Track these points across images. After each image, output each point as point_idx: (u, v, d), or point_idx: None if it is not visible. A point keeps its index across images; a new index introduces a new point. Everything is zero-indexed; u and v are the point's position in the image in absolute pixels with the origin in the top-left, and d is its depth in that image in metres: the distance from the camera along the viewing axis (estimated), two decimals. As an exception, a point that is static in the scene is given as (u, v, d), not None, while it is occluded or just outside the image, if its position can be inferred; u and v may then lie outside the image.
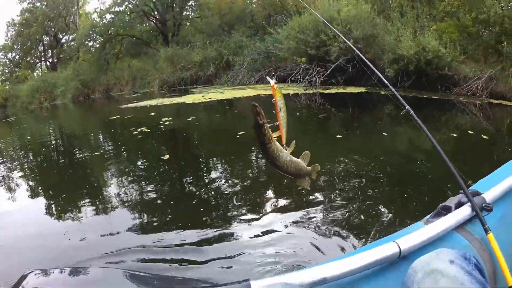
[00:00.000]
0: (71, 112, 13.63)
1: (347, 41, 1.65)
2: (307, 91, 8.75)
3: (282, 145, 0.72)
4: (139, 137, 5.47)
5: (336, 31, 1.60)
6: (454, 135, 4.45)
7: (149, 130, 5.88)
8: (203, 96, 9.72)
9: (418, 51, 7.43)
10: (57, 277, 0.77)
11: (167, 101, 9.82)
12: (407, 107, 1.00)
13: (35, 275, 0.72)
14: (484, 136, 4.10)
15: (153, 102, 10.01)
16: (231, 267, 1.67)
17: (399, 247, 0.79)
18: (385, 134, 4.69)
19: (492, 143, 3.93)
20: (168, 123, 6.50)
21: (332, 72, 9.03)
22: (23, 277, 0.70)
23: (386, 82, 1.19)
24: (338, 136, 4.58)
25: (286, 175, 0.73)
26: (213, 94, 9.92)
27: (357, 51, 1.48)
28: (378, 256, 0.76)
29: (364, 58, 1.38)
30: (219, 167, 3.80)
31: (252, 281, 0.62)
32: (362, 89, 8.46)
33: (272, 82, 0.66)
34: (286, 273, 0.66)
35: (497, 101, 6.35)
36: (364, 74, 8.13)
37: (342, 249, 1.83)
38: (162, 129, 5.95)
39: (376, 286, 0.76)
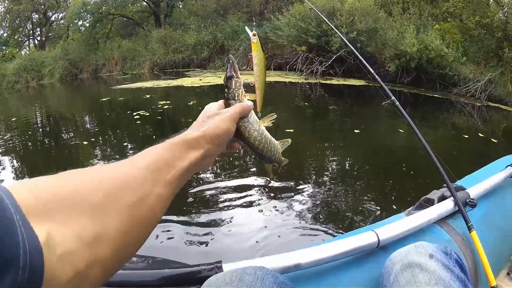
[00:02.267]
0: (59, 92, 13.40)
1: (342, 36, 1.65)
2: (307, 81, 8.78)
3: (256, 113, 0.59)
4: (137, 122, 5.27)
5: (333, 27, 1.59)
6: (450, 133, 4.52)
7: (147, 114, 5.71)
8: (200, 80, 9.61)
9: (421, 49, 7.56)
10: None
11: (163, 83, 9.65)
12: (392, 97, 1.01)
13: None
14: (479, 135, 4.17)
15: (147, 84, 9.81)
16: (206, 249, 1.74)
17: (378, 236, 0.79)
18: (376, 127, 4.77)
19: (486, 144, 4.00)
20: (167, 106, 6.34)
21: (331, 63, 9.06)
22: None
23: (374, 73, 1.19)
24: (334, 127, 4.62)
25: (252, 151, 0.59)
26: (211, 78, 9.83)
27: (350, 45, 1.48)
28: (355, 244, 0.76)
29: (355, 51, 1.42)
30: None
31: (224, 263, 0.63)
32: (362, 82, 8.52)
33: (251, 34, 0.59)
34: (260, 257, 0.67)
35: (495, 105, 6.51)
36: (364, 66, 8.14)
37: (321, 237, 1.88)
38: (162, 113, 5.78)
39: (353, 275, 0.77)
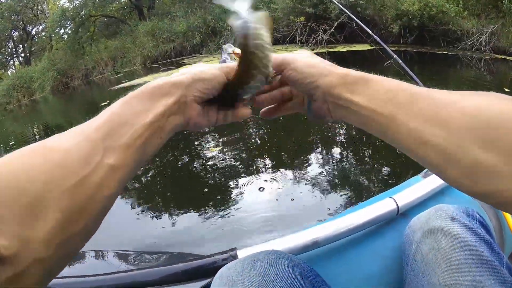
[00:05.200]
0: (53, 104, 13.53)
1: (337, 3, 1.62)
2: (315, 51, 8.72)
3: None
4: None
5: None
6: (460, 88, 4.48)
7: None
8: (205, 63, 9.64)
9: (421, 7, 7.62)
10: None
11: (164, 75, 9.61)
12: (394, 56, 0.99)
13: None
14: (489, 88, 4.14)
15: (148, 78, 9.69)
16: (220, 237, 1.80)
17: (396, 203, 0.78)
18: None
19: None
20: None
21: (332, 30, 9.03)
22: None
23: (374, 36, 1.17)
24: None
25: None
26: (216, 62, 9.80)
27: (346, 10, 1.47)
28: (373, 214, 0.75)
29: (353, 16, 1.43)
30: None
31: (238, 250, 0.64)
32: (366, 46, 8.51)
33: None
34: (274, 239, 0.67)
35: (502, 57, 6.60)
36: (365, 30, 8.15)
37: (339, 210, 1.91)
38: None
39: (374, 246, 0.76)
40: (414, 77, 0.99)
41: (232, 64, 0.47)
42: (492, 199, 0.31)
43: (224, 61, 0.51)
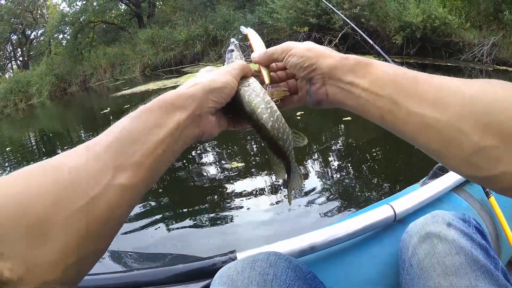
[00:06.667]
0: (50, 110, 13.55)
1: (340, 14, 1.67)
2: None
3: (265, 86, 0.48)
4: None
5: (330, 5, 1.61)
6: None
7: None
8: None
9: (425, 18, 7.76)
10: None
11: (169, 83, 9.54)
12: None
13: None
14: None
15: (151, 85, 9.69)
16: (220, 241, 1.83)
17: (393, 210, 0.81)
18: None
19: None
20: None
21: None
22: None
23: (377, 47, 1.21)
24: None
25: (258, 132, 0.46)
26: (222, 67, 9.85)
27: (349, 22, 1.51)
28: (371, 220, 0.78)
29: (355, 27, 1.46)
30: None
31: (238, 252, 0.66)
32: (369, 57, 8.58)
33: (245, 31, 0.58)
34: (274, 242, 0.69)
35: (503, 68, 6.80)
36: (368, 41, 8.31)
37: (337, 217, 1.94)
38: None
39: (371, 252, 0.79)
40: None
41: (241, 65, 0.47)
42: (495, 183, 0.32)
43: (232, 51, 0.52)
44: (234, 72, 0.45)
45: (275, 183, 2.54)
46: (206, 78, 0.42)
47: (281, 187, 2.46)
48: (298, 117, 4.20)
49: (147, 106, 0.37)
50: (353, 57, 0.43)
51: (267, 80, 0.49)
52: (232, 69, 0.46)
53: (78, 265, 0.29)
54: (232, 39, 0.53)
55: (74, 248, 0.28)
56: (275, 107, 0.46)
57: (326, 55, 0.45)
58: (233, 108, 0.46)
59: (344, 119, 3.85)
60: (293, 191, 0.53)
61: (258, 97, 0.45)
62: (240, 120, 0.48)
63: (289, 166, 0.48)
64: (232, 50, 0.51)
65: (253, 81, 0.47)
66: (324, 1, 1.55)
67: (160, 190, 2.74)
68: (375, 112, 0.40)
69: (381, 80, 0.39)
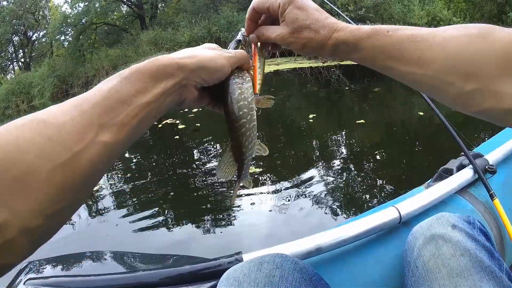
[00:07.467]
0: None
1: (345, 16, 1.67)
2: (326, 64, 8.91)
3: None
4: (175, 137, 4.43)
5: (336, 8, 1.60)
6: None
7: (184, 126, 4.82)
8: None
9: (430, 20, 7.91)
10: (56, 265, 0.82)
11: None
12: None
13: (33, 266, 0.77)
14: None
15: None
16: (225, 241, 1.82)
17: (399, 212, 0.81)
18: (388, 103, 4.85)
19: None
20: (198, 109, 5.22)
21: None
22: (21, 271, 0.75)
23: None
24: (346, 107, 4.68)
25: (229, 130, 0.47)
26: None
27: (353, 23, 1.50)
28: (376, 222, 0.78)
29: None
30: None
31: (244, 254, 0.66)
32: None
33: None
34: (279, 244, 0.70)
35: None
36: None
37: (341, 219, 1.94)
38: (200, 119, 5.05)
39: (377, 254, 0.79)
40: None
41: (241, 54, 0.48)
42: (489, 116, 0.40)
43: (238, 41, 0.52)
44: (231, 59, 0.46)
45: (281, 185, 2.55)
46: (204, 54, 0.43)
47: (289, 189, 2.46)
48: (311, 120, 4.22)
49: (139, 66, 0.38)
50: (365, 28, 0.48)
51: (257, 89, 0.50)
52: (231, 56, 0.46)
53: (59, 214, 0.31)
54: (242, 29, 0.53)
55: (56, 199, 0.30)
56: (255, 116, 0.47)
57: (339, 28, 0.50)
58: (218, 92, 0.47)
59: (357, 122, 3.86)
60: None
61: (246, 101, 0.46)
62: (219, 105, 0.49)
63: (242, 170, 0.50)
64: (239, 41, 0.52)
65: (247, 79, 0.48)
66: (329, 3, 1.54)
67: (165, 192, 2.75)
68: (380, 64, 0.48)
69: (380, 42, 0.46)
